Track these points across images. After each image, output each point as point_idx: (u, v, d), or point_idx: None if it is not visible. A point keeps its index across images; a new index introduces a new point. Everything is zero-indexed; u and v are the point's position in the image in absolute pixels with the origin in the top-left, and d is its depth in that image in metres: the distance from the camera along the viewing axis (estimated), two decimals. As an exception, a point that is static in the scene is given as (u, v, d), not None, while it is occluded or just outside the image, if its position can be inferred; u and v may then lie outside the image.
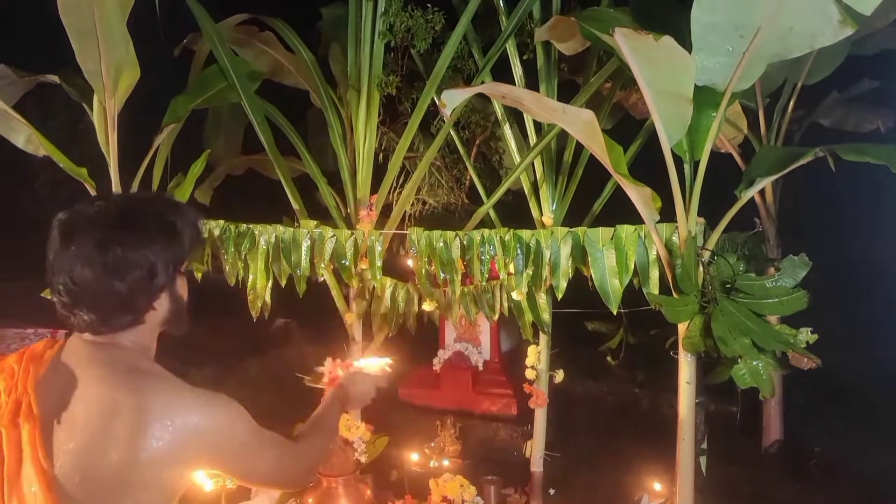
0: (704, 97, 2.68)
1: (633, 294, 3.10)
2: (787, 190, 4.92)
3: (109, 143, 3.55)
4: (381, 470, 4.17)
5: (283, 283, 3.52)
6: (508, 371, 5.06)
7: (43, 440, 1.36)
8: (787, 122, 4.85)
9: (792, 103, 4.82)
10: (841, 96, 5.17)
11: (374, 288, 3.61)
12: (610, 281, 3.05)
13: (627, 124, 4.66)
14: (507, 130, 3.87)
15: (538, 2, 3.62)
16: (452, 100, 2.56)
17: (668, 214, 2.81)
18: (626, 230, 3.03)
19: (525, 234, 3.25)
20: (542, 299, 3.49)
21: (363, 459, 3.67)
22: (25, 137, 3.64)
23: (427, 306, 3.57)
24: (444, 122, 3.79)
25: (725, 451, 4.17)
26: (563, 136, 3.55)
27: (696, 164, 2.84)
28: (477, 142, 4.71)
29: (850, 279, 5.87)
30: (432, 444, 4.67)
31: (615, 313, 3.11)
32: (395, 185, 3.95)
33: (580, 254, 3.14)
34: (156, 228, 1.48)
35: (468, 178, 4.68)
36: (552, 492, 4.16)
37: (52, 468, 1.34)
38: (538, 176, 3.73)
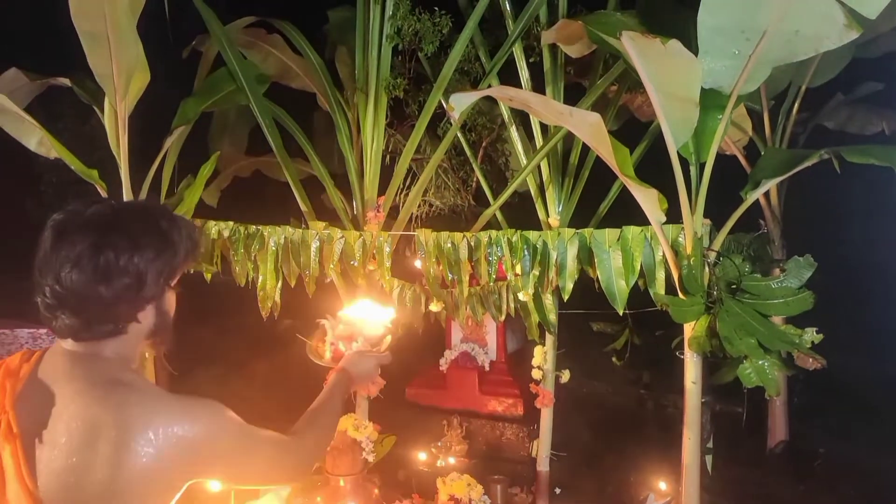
0: (710, 100, 2.71)
1: (638, 295, 3.13)
2: (791, 191, 4.94)
3: (120, 146, 3.58)
4: (388, 469, 4.19)
5: (293, 283, 3.56)
6: (514, 371, 5.07)
7: (26, 459, 1.33)
8: (791, 125, 4.87)
9: (797, 105, 4.84)
10: (845, 98, 5.18)
11: (381, 288, 3.64)
12: (616, 282, 3.08)
13: (632, 126, 4.68)
14: (514, 133, 3.89)
15: (545, 5, 3.64)
16: (460, 103, 2.59)
17: (673, 216, 2.84)
18: (632, 231, 3.05)
19: (532, 235, 3.28)
20: (549, 300, 3.52)
21: (371, 459, 3.69)
22: (37, 140, 3.67)
23: (434, 307, 3.60)
24: (450, 124, 3.82)
25: (731, 452, 4.19)
26: (569, 138, 3.57)
27: (701, 166, 2.87)
28: (483, 144, 4.73)
29: (855, 280, 5.87)
30: (439, 444, 4.69)
31: (621, 314, 3.14)
32: (402, 186, 3.98)
33: (587, 255, 3.17)
34: (150, 237, 1.44)
35: (475, 179, 4.70)
36: (558, 491, 4.17)
37: (37, 488, 1.31)
38: (544, 178, 3.76)
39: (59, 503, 1.31)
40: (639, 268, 3.05)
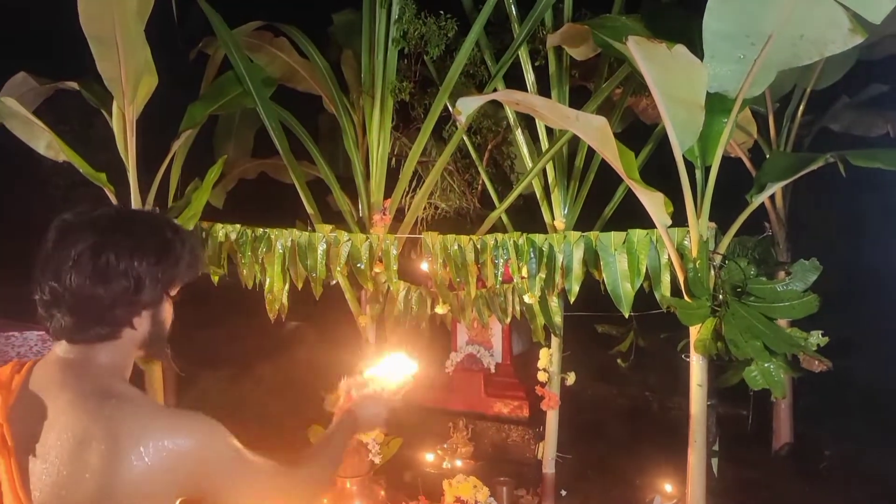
0: (716, 104, 2.72)
1: (643, 298, 3.14)
2: (797, 194, 4.94)
3: (128, 149, 3.60)
4: (394, 471, 4.21)
5: (300, 285, 3.58)
6: (520, 374, 5.09)
7: (20, 472, 1.32)
8: (796, 127, 4.87)
9: (801, 108, 4.84)
10: (850, 101, 5.17)
11: (387, 291, 3.65)
12: (622, 284, 3.09)
13: (637, 129, 4.69)
14: (519, 135, 3.90)
15: (550, 9, 3.66)
16: (467, 107, 2.61)
17: (679, 219, 2.85)
18: (638, 234, 3.07)
19: (538, 238, 3.29)
20: (554, 303, 3.53)
21: (377, 461, 3.71)
22: (46, 143, 3.69)
23: (440, 309, 3.61)
24: (456, 127, 3.84)
25: (736, 454, 4.19)
26: (574, 140, 3.59)
27: (707, 170, 2.88)
28: (489, 147, 4.75)
29: (861, 283, 5.87)
30: (445, 446, 4.71)
31: (627, 316, 3.15)
32: (407, 189, 3.99)
33: (592, 258, 3.18)
34: (152, 243, 1.44)
35: (480, 182, 4.72)
36: (564, 493, 4.19)
37: (31, 502, 1.31)
38: (550, 181, 3.77)
39: None
40: (644, 271, 3.06)
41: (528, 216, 4.05)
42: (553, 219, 3.77)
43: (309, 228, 3.69)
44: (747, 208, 2.97)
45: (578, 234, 3.22)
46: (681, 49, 2.35)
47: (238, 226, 3.65)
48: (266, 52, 4.32)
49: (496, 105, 4.30)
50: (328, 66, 4.09)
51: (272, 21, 4.31)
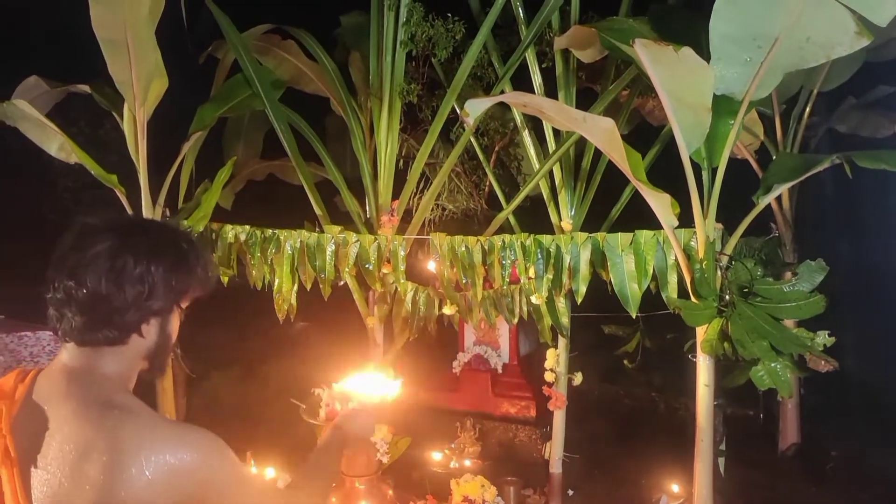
0: (722, 106, 2.73)
1: (650, 298, 3.16)
2: (803, 195, 4.94)
3: (139, 151, 3.64)
4: (402, 470, 4.23)
5: (309, 286, 3.61)
6: (527, 374, 5.11)
7: (23, 482, 1.32)
8: (803, 129, 4.87)
9: (808, 110, 4.84)
10: (857, 102, 5.17)
11: (395, 292, 3.68)
12: (629, 285, 3.10)
13: (644, 130, 4.70)
14: (526, 137, 3.92)
15: (557, 11, 3.68)
16: (475, 109, 2.63)
17: (685, 220, 2.87)
18: (644, 235, 3.08)
19: (545, 239, 3.31)
20: (561, 303, 3.54)
21: (385, 460, 3.73)
22: (58, 145, 3.74)
23: (447, 310, 3.64)
24: (463, 129, 3.86)
25: (743, 454, 4.20)
26: (580, 142, 3.60)
27: (714, 171, 2.89)
28: (496, 148, 4.77)
29: (867, 283, 5.87)
30: (453, 446, 4.73)
31: (634, 317, 3.16)
32: (415, 191, 4.02)
33: (599, 258, 3.20)
34: (169, 251, 1.46)
35: (487, 184, 4.74)
36: (571, 493, 4.20)
37: None
38: (557, 182, 3.79)
39: None
40: (651, 271, 3.08)
41: (535, 217, 4.06)
42: (560, 220, 3.78)
43: (317, 229, 3.72)
44: (754, 209, 2.98)
45: (585, 235, 3.24)
46: (687, 51, 2.37)
47: (247, 227, 3.68)
48: (274, 55, 4.36)
49: (503, 107, 4.32)
50: (336, 69, 4.12)
51: (280, 24, 4.35)
